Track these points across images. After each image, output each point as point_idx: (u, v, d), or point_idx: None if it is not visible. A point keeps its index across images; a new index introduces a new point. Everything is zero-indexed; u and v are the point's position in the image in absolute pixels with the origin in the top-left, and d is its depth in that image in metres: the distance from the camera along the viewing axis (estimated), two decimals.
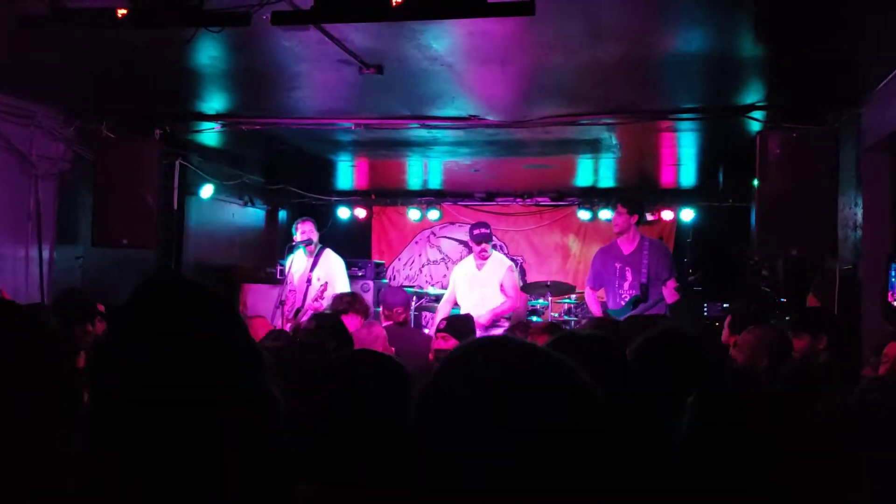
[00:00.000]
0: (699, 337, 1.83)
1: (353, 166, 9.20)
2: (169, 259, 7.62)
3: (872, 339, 4.86)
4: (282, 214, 10.25)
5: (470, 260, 7.26)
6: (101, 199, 6.31)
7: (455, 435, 1.00)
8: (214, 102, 6.30)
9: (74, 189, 6.48)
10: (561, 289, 8.68)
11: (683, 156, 7.96)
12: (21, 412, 1.34)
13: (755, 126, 5.81)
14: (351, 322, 5.34)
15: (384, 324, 5.81)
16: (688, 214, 9.48)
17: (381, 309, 6.35)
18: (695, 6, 4.04)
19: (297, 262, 7.00)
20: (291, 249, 7.04)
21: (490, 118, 6.23)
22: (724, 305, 8.08)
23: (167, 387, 1.19)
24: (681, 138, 7.05)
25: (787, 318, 6.15)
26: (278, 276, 8.11)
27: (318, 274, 6.93)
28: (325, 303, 6.69)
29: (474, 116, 6.19)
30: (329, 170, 9.24)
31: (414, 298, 9.03)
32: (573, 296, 9.09)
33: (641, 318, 5.89)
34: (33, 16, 3.83)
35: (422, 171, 9.28)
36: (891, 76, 4.71)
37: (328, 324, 4.05)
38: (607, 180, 9.45)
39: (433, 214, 10.47)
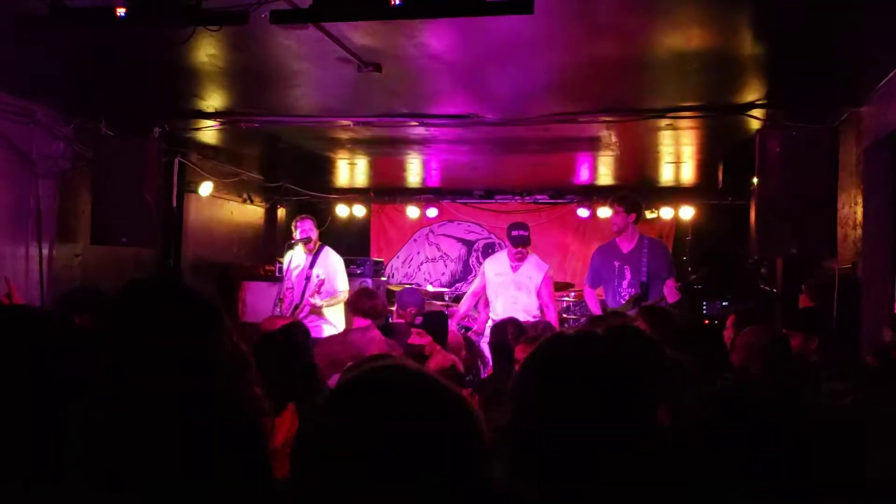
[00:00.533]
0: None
1: (351, 164, 9.20)
2: (168, 257, 7.62)
3: (871, 337, 4.87)
4: (281, 212, 10.25)
5: (503, 258, 6.96)
6: (100, 197, 6.31)
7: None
8: (213, 100, 6.29)
9: (74, 187, 6.48)
10: (557, 287, 8.68)
11: (683, 154, 7.96)
12: None
13: (755, 124, 5.80)
14: (361, 323, 5.36)
15: (395, 321, 5.85)
16: (687, 213, 9.48)
17: (395, 307, 6.40)
18: (694, 4, 4.04)
19: (295, 260, 7.01)
20: (290, 247, 7.04)
21: (489, 116, 6.23)
22: (724, 304, 8.08)
23: (150, 385, 1.18)
24: (680, 136, 7.04)
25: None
26: (277, 274, 8.11)
27: (317, 271, 6.93)
28: (322, 298, 6.67)
29: (473, 114, 6.19)
30: (328, 167, 9.23)
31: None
32: (572, 293, 9.10)
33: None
34: (32, 15, 3.82)
35: (420, 168, 9.28)
36: (891, 75, 4.71)
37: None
38: (606, 178, 9.45)
39: (432, 212, 10.47)
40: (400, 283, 10.38)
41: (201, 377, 1.23)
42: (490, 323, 6.55)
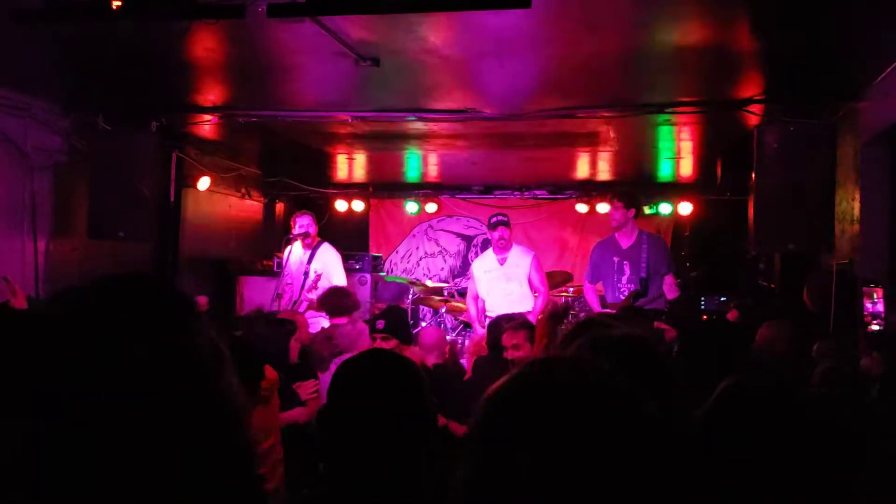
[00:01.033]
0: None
1: (350, 159, 9.18)
2: (165, 251, 7.62)
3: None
4: (279, 207, 10.24)
5: (489, 254, 6.96)
6: (98, 191, 6.30)
7: None
8: (211, 94, 6.29)
9: (70, 181, 6.47)
10: (556, 279, 8.67)
11: (681, 149, 7.95)
12: None
13: (753, 120, 5.80)
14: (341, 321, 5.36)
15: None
16: (686, 208, 9.47)
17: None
18: None
19: (294, 255, 7.01)
20: (288, 242, 7.03)
21: (487, 111, 6.22)
22: (722, 299, 8.08)
23: (119, 383, 1.17)
24: (679, 132, 7.04)
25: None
26: (275, 269, 8.10)
27: (315, 267, 6.93)
28: (318, 293, 6.66)
29: (471, 109, 6.17)
30: (326, 162, 9.22)
31: (411, 292, 9.02)
32: (571, 289, 9.09)
33: (637, 310, 5.91)
34: (28, 8, 3.81)
35: (419, 163, 9.27)
36: (889, 70, 4.70)
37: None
38: (605, 173, 9.44)
39: (431, 207, 10.46)
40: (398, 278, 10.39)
41: (179, 375, 1.21)
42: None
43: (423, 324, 9.52)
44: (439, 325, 9.01)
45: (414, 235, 11.06)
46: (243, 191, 9.32)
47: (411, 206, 10.49)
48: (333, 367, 4.33)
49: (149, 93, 6.13)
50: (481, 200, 10.58)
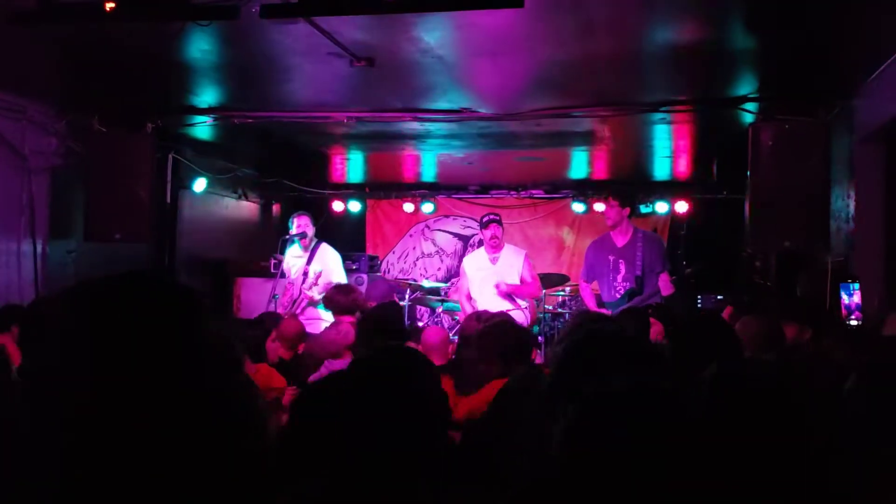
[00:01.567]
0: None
1: (346, 159, 9.19)
2: (162, 253, 7.61)
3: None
4: (276, 208, 10.24)
5: (481, 253, 6.92)
6: (94, 193, 6.30)
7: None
8: (206, 96, 6.29)
9: (67, 183, 6.46)
10: (552, 280, 8.68)
11: (677, 148, 7.96)
12: None
13: (748, 118, 5.80)
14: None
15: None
16: (682, 207, 9.48)
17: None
18: None
19: (292, 256, 6.99)
20: (286, 243, 7.03)
21: (482, 111, 6.23)
22: (719, 297, 8.09)
23: (131, 381, 1.17)
24: (674, 130, 7.04)
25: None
26: (272, 270, 8.10)
27: (314, 268, 6.92)
28: (319, 290, 6.64)
29: (466, 109, 6.18)
30: (323, 163, 9.22)
31: (408, 291, 9.03)
32: (567, 288, 9.10)
33: (635, 309, 5.91)
34: (21, 11, 3.81)
35: (416, 164, 9.27)
36: (883, 68, 4.70)
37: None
38: (601, 173, 9.45)
39: (427, 207, 10.46)
40: (396, 278, 10.39)
41: (192, 372, 1.21)
42: None
43: (420, 324, 9.53)
44: (436, 325, 9.01)
45: (411, 235, 11.07)
46: (240, 192, 9.31)
47: (408, 206, 10.49)
48: (324, 370, 4.33)
49: (144, 94, 6.14)
50: (478, 200, 10.59)
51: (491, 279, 6.58)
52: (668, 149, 7.96)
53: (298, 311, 6.67)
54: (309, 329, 5.57)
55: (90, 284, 1.26)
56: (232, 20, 3.71)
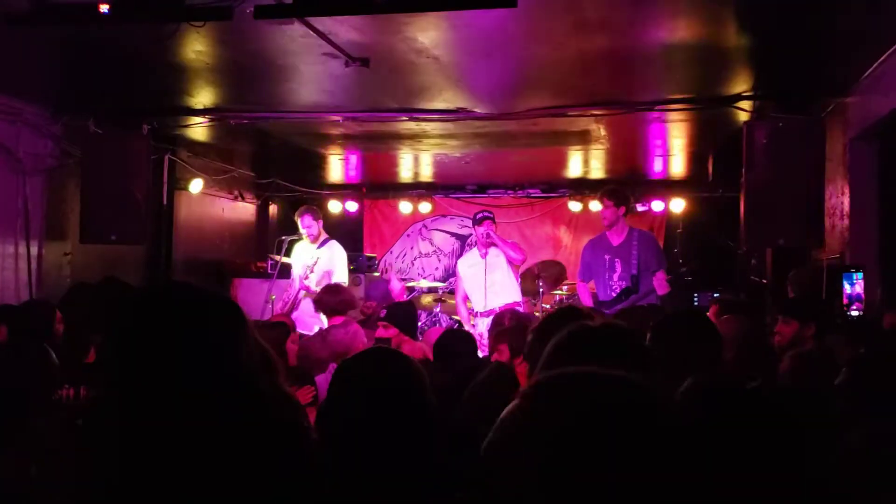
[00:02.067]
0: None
1: (343, 160, 9.19)
2: (158, 254, 7.61)
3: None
4: (272, 209, 10.24)
5: (473, 252, 7.00)
6: (90, 194, 6.30)
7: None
8: (202, 97, 6.29)
9: (62, 185, 6.47)
10: (552, 273, 8.68)
11: (673, 146, 7.97)
12: None
13: (743, 116, 5.82)
14: (337, 320, 5.33)
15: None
16: (678, 205, 9.49)
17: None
18: None
19: (298, 253, 6.93)
20: (282, 243, 7.00)
21: (478, 110, 6.23)
22: (715, 295, 8.10)
23: (177, 387, 1.18)
24: (670, 129, 7.06)
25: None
26: (269, 271, 8.09)
27: (316, 255, 6.85)
28: (316, 278, 6.58)
29: (462, 109, 6.19)
30: (319, 163, 9.23)
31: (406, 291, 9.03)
32: (564, 287, 9.11)
33: (633, 309, 5.91)
34: (16, 12, 3.82)
35: (412, 163, 9.28)
36: (876, 65, 4.72)
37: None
38: (597, 171, 9.46)
39: (425, 207, 10.47)
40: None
41: (235, 384, 1.23)
42: (477, 318, 6.59)
43: (418, 324, 9.53)
44: (434, 325, 9.02)
45: (408, 235, 11.07)
46: (236, 193, 9.31)
47: (405, 206, 10.49)
48: (331, 370, 4.32)
49: (140, 96, 6.14)
50: (475, 200, 10.59)
51: (482, 271, 6.62)
52: (663, 147, 7.97)
53: (295, 306, 6.62)
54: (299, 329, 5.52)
55: (137, 296, 1.28)
56: (226, 21, 3.72)
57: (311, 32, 4.32)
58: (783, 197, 5.28)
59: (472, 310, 6.75)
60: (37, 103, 6.16)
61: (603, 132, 7.09)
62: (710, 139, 7.40)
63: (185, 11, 3.62)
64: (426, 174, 10.01)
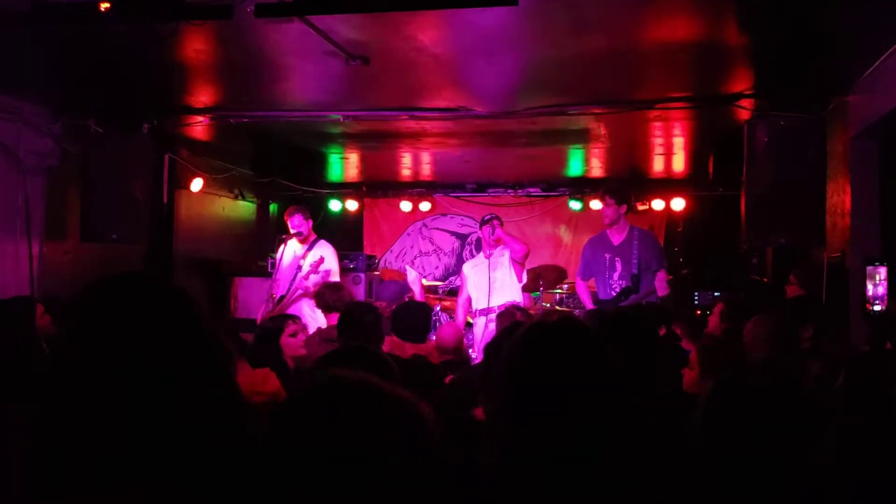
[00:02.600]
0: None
1: (343, 158, 9.18)
2: (159, 253, 7.61)
3: (860, 326, 4.89)
4: (272, 207, 10.23)
5: (479, 257, 7.00)
6: (90, 194, 6.30)
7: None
8: (202, 96, 6.28)
9: (63, 184, 6.46)
10: (550, 276, 8.69)
11: (673, 145, 7.96)
12: None
13: (744, 115, 5.81)
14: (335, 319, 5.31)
15: None
16: (678, 204, 9.49)
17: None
18: None
19: (287, 252, 6.94)
20: (282, 241, 7.00)
21: (478, 109, 6.23)
22: (716, 294, 8.10)
23: (124, 382, 1.18)
24: (670, 128, 7.05)
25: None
26: (269, 270, 8.09)
27: (309, 261, 6.88)
28: (316, 278, 6.56)
29: (462, 107, 6.19)
30: (319, 162, 9.22)
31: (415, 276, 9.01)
32: (564, 286, 9.11)
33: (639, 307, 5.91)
34: (16, 11, 3.81)
35: (412, 162, 9.27)
36: (877, 64, 4.71)
37: None
38: (597, 170, 9.46)
39: (425, 206, 10.46)
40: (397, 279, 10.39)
41: (185, 374, 1.23)
42: (476, 318, 6.60)
43: None
44: (434, 324, 9.00)
45: (408, 234, 11.07)
46: (236, 192, 9.31)
47: (405, 205, 10.49)
48: None
49: (140, 95, 6.13)
50: (475, 199, 10.60)
51: (485, 270, 6.65)
52: (664, 146, 7.96)
53: (292, 302, 6.61)
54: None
55: (88, 286, 1.28)
56: (226, 20, 3.71)
57: (312, 31, 4.32)
58: (784, 195, 5.28)
59: (473, 309, 6.76)
60: (37, 102, 6.15)
61: (603, 131, 7.08)
62: (710, 138, 7.40)
63: (185, 10, 3.62)
64: (426, 173, 10.01)
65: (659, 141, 7.71)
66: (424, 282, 9.58)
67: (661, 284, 6.20)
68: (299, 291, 6.64)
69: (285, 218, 6.99)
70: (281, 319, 4.61)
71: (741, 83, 5.57)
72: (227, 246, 9.03)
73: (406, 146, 8.11)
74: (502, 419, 1.71)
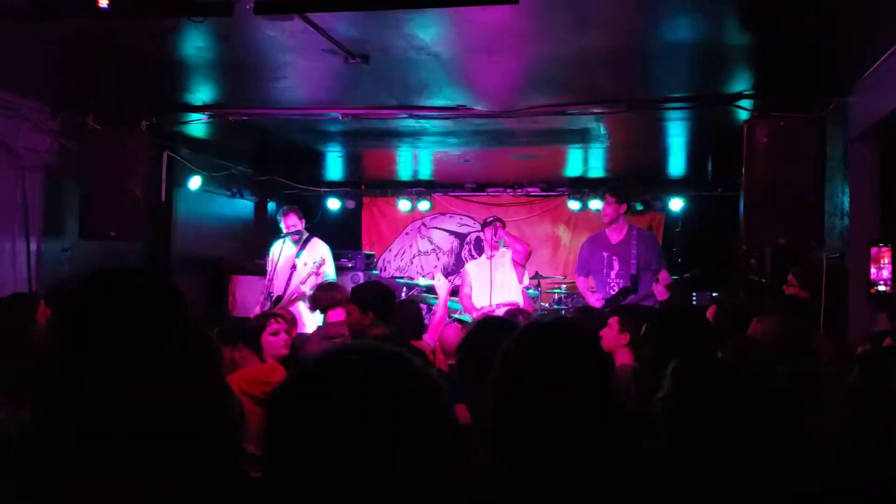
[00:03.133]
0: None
1: (342, 157, 9.18)
2: (157, 251, 7.60)
3: (859, 326, 4.89)
4: (270, 206, 10.22)
5: (482, 257, 7.07)
6: (89, 191, 6.29)
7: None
8: (201, 93, 6.27)
9: (61, 181, 6.45)
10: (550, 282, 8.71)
11: (672, 145, 7.96)
12: None
13: (743, 115, 5.80)
14: (335, 315, 5.31)
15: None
16: (677, 204, 9.49)
17: None
18: None
19: (283, 251, 6.93)
20: (276, 239, 7.00)
21: (478, 108, 6.22)
22: (714, 294, 8.10)
23: (110, 378, 1.17)
24: (669, 127, 7.04)
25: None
26: (267, 268, 8.08)
27: (304, 259, 6.88)
28: (318, 280, 6.54)
29: (462, 106, 6.18)
30: (318, 161, 9.21)
31: (404, 290, 9.03)
32: (563, 286, 9.11)
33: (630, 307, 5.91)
34: (15, 7, 3.80)
35: (411, 161, 9.26)
36: (877, 65, 4.71)
37: None
38: (597, 170, 9.45)
39: (423, 205, 10.46)
40: (393, 277, 10.39)
41: (168, 371, 1.22)
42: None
43: None
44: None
45: (407, 233, 11.06)
46: (235, 190, 9.30)
47: (404, 204, 10.48)
48: None
49: (139, 92, 6.12)
50: (474, 198, 10.59)
51: (486, 269, 6.67)
52: (663, 146, 7.96)
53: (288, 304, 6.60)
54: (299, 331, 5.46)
55: (78, 280, 1.27)
56: (226, 16, 3.71)
57: (311, 28, 4.31)
58: (783, 196, 5.27)
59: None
60: (36, 99, 6.14)
61: (603, 130, 7.08)
62: (709, 138, 7.39)
63: (184, 6, 3.61)
64: (425, 172, 10.00)
65: (658, 141, 7.71)
66: (423, 281, 9.58)
67: (660, 290, 6.17)
68: (296, 295, 6.64)
69: (280, 218, 6.98)
70: (264, 317, 4.54)
71: (741, 83, 5.57)
72: (226, 244, 9.03)
73: (405, 145, 8.10)
74: (501, 421, 1.70)
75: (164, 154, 7.31)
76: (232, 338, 4.17)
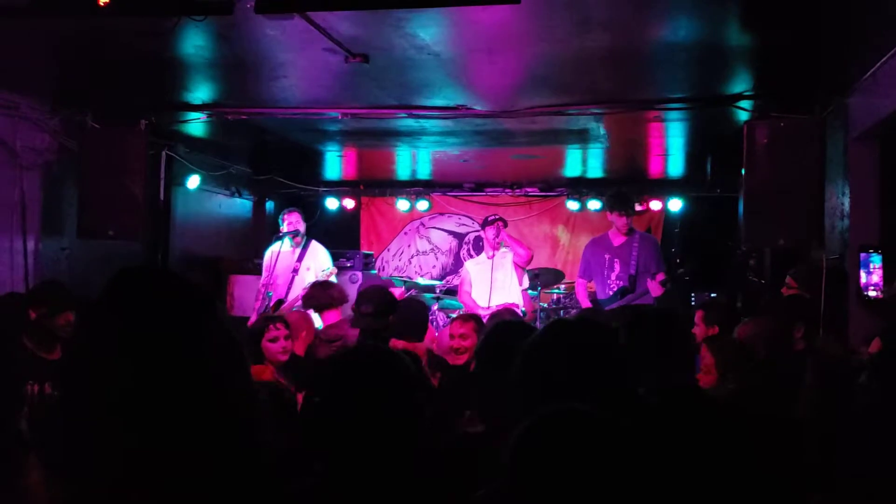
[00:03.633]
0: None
1: (340, 156, 9.16)
2: (155, 250, 7.59)
3: (858, 327, 4.89)
4: (269, 205, 10.21)
5: (482, 256, 7.10)
6: (87, 190, 6.27)
7: None
8: (200, 92, 6.25)
9: (60, 180, 6.43)
10: (547, 278, 8.69)
11: (671, 146, 7.96)
12: None
13: (743, 116, 5.80)
14: (332, 317, 5.30)
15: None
16: (676, 205, 9.49)
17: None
18: None
19: (282, 253, 6.93)
20: (275, 240, 6.98)
21: (478, 108, 6.22)
22: (713, 295, 8.10)
23: (143, 378, 1.17)
24: (669, 128, 7.05)
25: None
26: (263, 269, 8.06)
27: (306, 264, 6.88)
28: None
29: (462, 106, 6.18)
30: (317, 160, 9.20)
31: (403, 289, 9.00)
32: (562, 286, 9.10)
33: (629, 308, 5.92)
34: (14, 5, 3.79)
35: (410, 161, 9.25)
36: (877, 66, 4.71)
37: None
38: (596, 171, 9.45)
39: (422, 205, 10.45)
40: (391, 277, 10.37)
41: (193, 368, 1.22)
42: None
43: None
44: (430, 324, 8.98)
45: (405, 233, 11.05)
46: (233, 189, 9.29)
47: (403, 204, 10.47)
48: None
49: (138, 91, 6.10)
50: (473, 198, 10.59)
51: (487, 270, 6.69)
52: (662, 147, 7.96)
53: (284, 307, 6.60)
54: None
55: (110, 280, 1.28)
56: (226, 15, 3.70)
57: (311, 27, 4.30)
58: (783, 197, 5.26)
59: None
60: (34, 97, 6.12)
61: (602, 131, 7.07)
62: (709, 139, 7.39)
63: (185, 5, 3.60)
64: (424, 172, 9.99)
65: (658, 142, 7.71)
66: (421, 281, 9.57)
67: (654, 287, 6.19)
68: (298, 303, 6.63)
69: (282, 218, 6.96)
70: (263, 322, 4.51)
71: (741, 84, 5.57)
72: (224, 243, 9.03)
73: (404, 145, 8.09)
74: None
75: (163, 153, 7.31)
76: None
